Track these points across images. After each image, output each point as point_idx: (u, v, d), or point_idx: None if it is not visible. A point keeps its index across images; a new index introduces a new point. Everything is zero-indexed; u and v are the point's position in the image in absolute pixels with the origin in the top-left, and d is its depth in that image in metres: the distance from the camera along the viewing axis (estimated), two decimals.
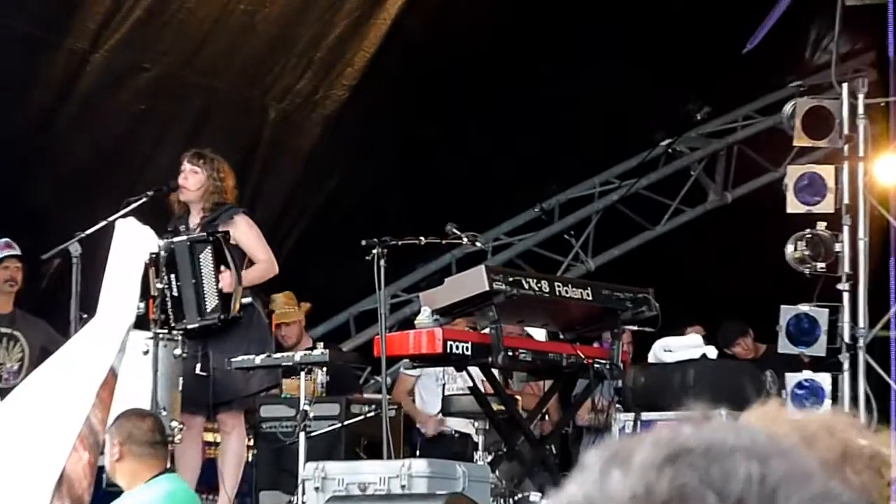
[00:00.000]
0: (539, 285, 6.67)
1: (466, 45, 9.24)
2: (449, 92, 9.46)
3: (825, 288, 7.66)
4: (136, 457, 4.91)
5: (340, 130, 9.40)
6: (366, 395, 8.59)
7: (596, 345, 7.91)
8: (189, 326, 6.76)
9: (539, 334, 7.89)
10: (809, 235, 7.64)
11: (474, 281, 6.57)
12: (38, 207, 8.27)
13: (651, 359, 7.97)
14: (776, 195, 8.07)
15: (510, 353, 6.58)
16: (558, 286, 6.79)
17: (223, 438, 7.05)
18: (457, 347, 6.48)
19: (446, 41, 9.15)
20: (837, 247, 7.62)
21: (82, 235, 6.74)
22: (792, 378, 7.59)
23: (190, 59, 8.54)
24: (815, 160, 8.46)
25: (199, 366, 6.70)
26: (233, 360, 6.65)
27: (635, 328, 7.24)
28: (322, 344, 8.33)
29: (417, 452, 8.22)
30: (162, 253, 6.66)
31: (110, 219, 6.46)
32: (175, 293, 6.79)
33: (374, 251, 6.65)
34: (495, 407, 6.83)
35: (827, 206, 7.65)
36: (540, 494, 6.69)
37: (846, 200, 7.65)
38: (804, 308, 7.65)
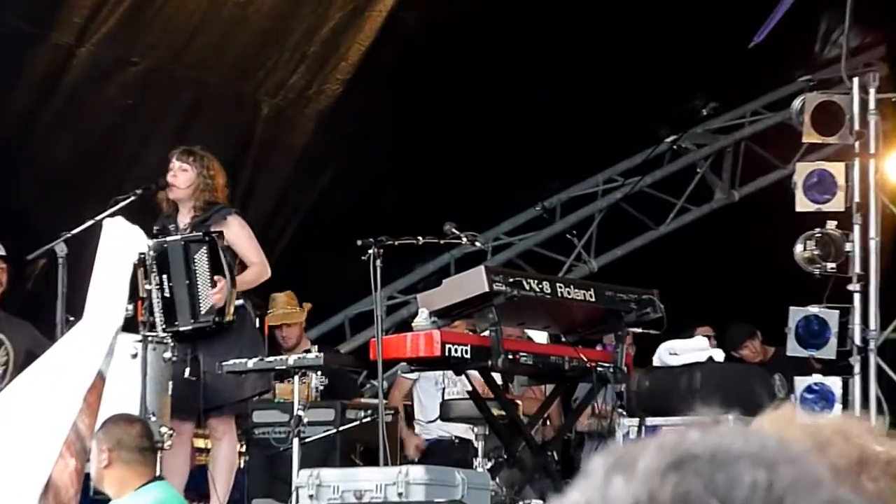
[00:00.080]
0: (540, 286, 6.68)
1: (464, 38, 9.25)
2: (447, 86, 9.47)
3: (835, 289, 7.67)
4: (125, 463, 4.92)
5: (335, 126, 9.40)
6: (361, 400, 8.59)
7: (599, 347, 7.91)
8: (182, 329, 6.76)
9: (540, 337, 7.89)
10: (819, 235, 7.65)
11: (473, 282, 6.58)
12: (22, 206, 8.27)
13: (656, 362, 7.97)
14: (785, 193, 8.07)
15: (511, 357, 6.59)
16: (560, 287, 6.80)
17: (214, 445, 7.06)
18: (456, 350, 6.49)
19: (443, 34, 9.15)
20: (848, 246, 7.63)
21: (68, 235, 6.74)
22: (801, 382, 7.60)
23: (179, 52, 8.54)
24: (825, 157, 8.47)
25: (188, 370, 6.70)
26: (224, 363, 6.66)
27: (639, 330, 7.24)
28: (316, 347, 8.34)
29: (416, 459, 8.23)
30: (151, 253, 6.66)
31: (97, 218, 6.47)
32: (167, 294, 6.79)
33: (370, 251, 6.65)
34: (495, 412, 6.84)
35: (837, 204, 7.66)
36: (541, 502, 6.69)
37: (857, 198, 7.65)
38: (814, 310, 7.66)
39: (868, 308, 7.58)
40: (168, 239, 6.88)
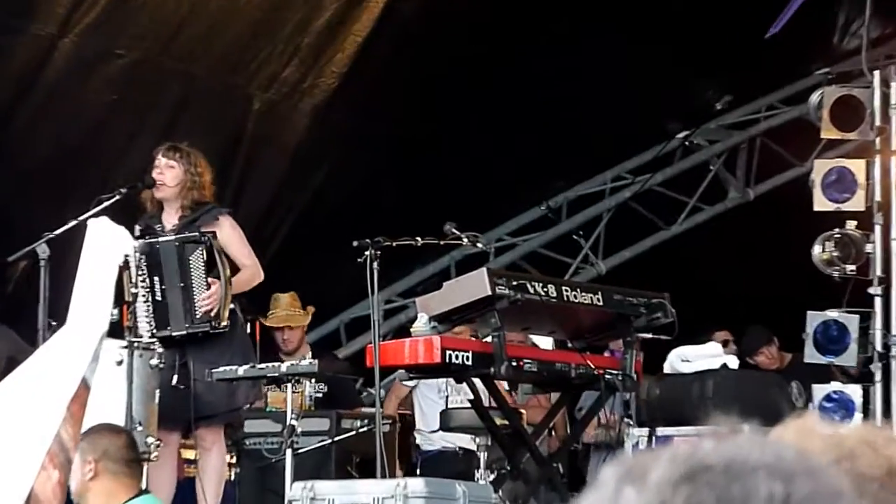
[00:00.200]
0: (545, 290, 6.68)
1: (464, 29, 9.26)
2: (447, 80, 9.47)
3: (855, 292, 7.67)
4: (112, 475, 4.93)
5: (330, 122, 9.41)
6: (362, 410, 8.58)
7: (607, 354, 7.92)
8: (174, 334, 6.77)
9: (545, 343, 7.89)
10: (838, 235, 7.65)
11: (475, 285, 6.58)
12: (1, 206, 8.28)
13: (667, 369, 7.98)
14: (802, 192, 8.08)
15: (514, 364, 6.59)
16: (566, 291, 6.80)
17: (202, 455, 7.05)
18: (457, 357, 6.49)
19: (442, 24, 9.16)
20: (868, 247, 7.64)
21: (51, 236, 6.74)
22: (820, 390, 7.60)
23: (167, 44, 8.54)
24: (845, 153, 8.47)
25: (176, 377, 6.70)
26: (214, 371, 6.65)
27: (650, 336, 7.25)
28: (310, 353, 8.35)
29: (418, 471, 8.23)
30: (139, 254, 6.66)
31: (81, 218, 6.47)
32: (159, 297, 6.79)
33: (367, 253, 6.66)
34: (498, 421, 6.84)
35: (857, 203, 7.66)
36: None
37: (878, 197, 7.66)
38: (833, 314, 7.66)
39: (890, 312, 7.58)
40: (160, 239, 6.88)
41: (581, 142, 10.40)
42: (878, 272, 7.62)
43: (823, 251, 7.68)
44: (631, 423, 7.78)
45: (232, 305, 6.93)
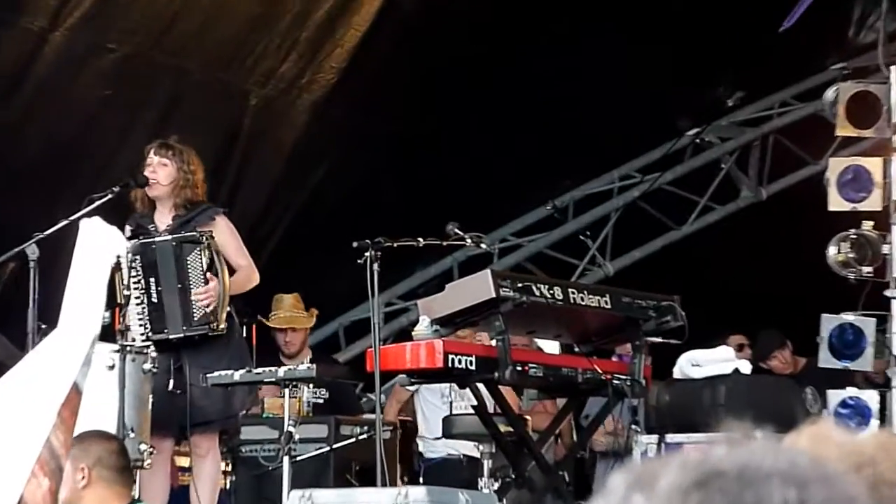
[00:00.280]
0: (551, 292, 6.69)
1: (467, 21, 9.26)
2: (449, 76, 9.48)
3: (872, 295, 7.67)
4: (106, 483, 4.94)
5: (329, 118, 9.42)
6: (363, 417, 8.58)
7: (614, 358, 7.92)
8: (171, 337, 6.77)
9: (551, 347, 7.89)
10: (854, 236, 7.66)
11: (479, 287, 6.59)
12: None
13: (676, 374, 7.98)
14: (817, 191, 8.09)
15: (519, 368, 6.60)
16: (573, 293, 6.81)
17: (196, 463, 7.06)
18: (459, 361, 6.50)
19: (444, 18, 9.17)
20: (885, 248, 7.64)
21: (40, 237, 6.75)
22: (835, 395, 7.61)
23: (159, 38, 8.55)
24: (861, 152, 8.47)
25: (172, 382, 6.70)
26: (209, 376, 6.66)
27: (659, 340, 7.25)
28: (308, 358, 8.35)
29: (421, 479, 8.23)
30: (131, 255, 6.67)
31: (72, 218, 6.48)
32: (155, 299, 6.80)
33: (367, 254, 6.67)
34: (502, 428, 6.85)
35: (874, 202, 7.67)
36: None
37: (895, 197, 7.66)
38: (848, 317, 7.67)
39: None
40: (156, 239, 6.89)
41: (588, 139, 10.41)
42: (895, 274, 7.62)
43: (839, 252, 7.68)
44: (639, 429, 7.79)
45: (228, 308, 6.93)
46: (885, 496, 1.46)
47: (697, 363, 7.89)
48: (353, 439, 7.72)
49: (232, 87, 9.08)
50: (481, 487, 6.90)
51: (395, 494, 6.15)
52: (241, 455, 7.82)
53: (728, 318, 9.54)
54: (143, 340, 6.71)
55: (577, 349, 7.18)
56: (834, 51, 10.16)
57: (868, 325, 7.64)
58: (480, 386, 6.80)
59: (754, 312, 9.87)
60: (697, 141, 11.24)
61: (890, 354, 7.62)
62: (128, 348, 6.41)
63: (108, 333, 6.29)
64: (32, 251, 6.70)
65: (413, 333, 6.75)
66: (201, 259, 6.82)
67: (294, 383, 6.64)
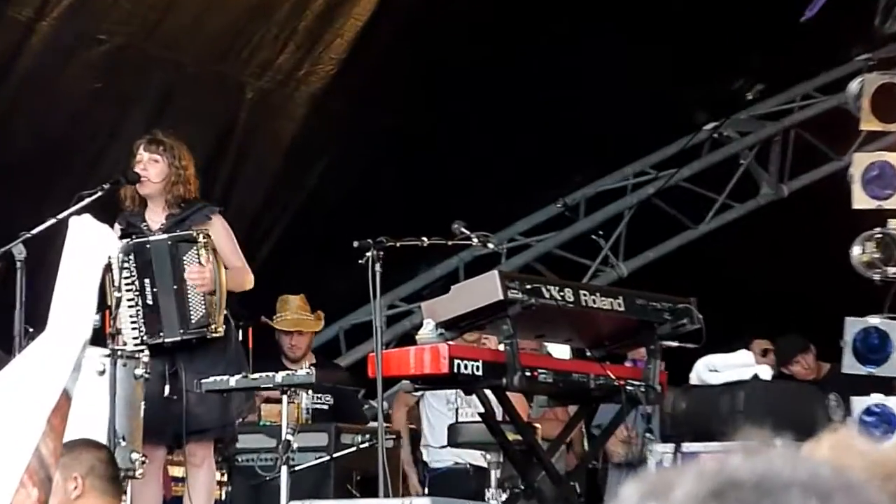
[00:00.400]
0: (562, 294, 6.70)
1: (471, 9, 9.27)
2: (454, 67, 9.49)
3: None
4: (98, 493, 4.96)
5: (328, 112, 9.43)
6: (364, 424, 8.60)
7: (628, 364, 7.92)
8: (168, 340, 6.78)
9: (562, 352, 7.90)
10: (879, 235, 7.67)
11: (486, 289, 6.60)
12: None
13: (693, 380, 7.98)
14: (840, 188, 8.09)
15: (528, 374, 6.60)
16: (584, 295, 6.82)
17: (191, 472, 7.05)
18: (466, 367, 6.50)
19: (446, 9, 9.18)
20: None
21: (28, 236, 6.76)
22: (859, 402, 7.61)
23: (152, 29, 8.57)
24: (887, 147, 8.48)
25: (167, 388, 6.71)
26: (204, 381, 6.66)
27: (675, 344, 7.26)
28: (307, 363, 8.36)
29: (426, 490, 8.24)
30: (123, 255, 6.67)
31: (60, 216, 6.49)
32: (150, 301, 6.81)
33: (369, 254, 6.67)
34: (511, 436, 6.86)
35: None
36: None
37: None
38: (874, 321, 7.68)
39: None
40: (151, 238, 6.89)
41: (600, 134, 10.41)
42: None
43: (863, 252, 7.69)
44: (654, 438, 7.80)
45: (224, 311, 6.94)
46: None
47: (715, 368, 7.90)
48: (354, 448, 7.73)
49: (227, 80, 9.10)
50: (488, 499, 6.90)
51: None
52: (238, 464, 7.83)
53: (747, 322, 9.54)
54: (137, 344, 6.71)
55: (588, 354, 7.19)
56: (859, 41, 10.15)
57: (894, 328, 7.65)
58: (488, 392, 6.80)
59: (775, 315, 9.87)
60: (715, 136, 11.24)
61: None
62: (119, 353, 6.41)
63: (98, 337, 6.31)
64: (19, 251, 6.72)
65: (417, 337, 6.76)
66: (198, 259, 6.83)
67: (293, 389, 6.65)
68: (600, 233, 11.18)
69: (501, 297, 6.48)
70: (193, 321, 6.81)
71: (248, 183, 9.45)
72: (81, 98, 8.63)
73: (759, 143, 11.34)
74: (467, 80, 9.57)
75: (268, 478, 7.44)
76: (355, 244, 6.73)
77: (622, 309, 6.86)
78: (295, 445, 6.49)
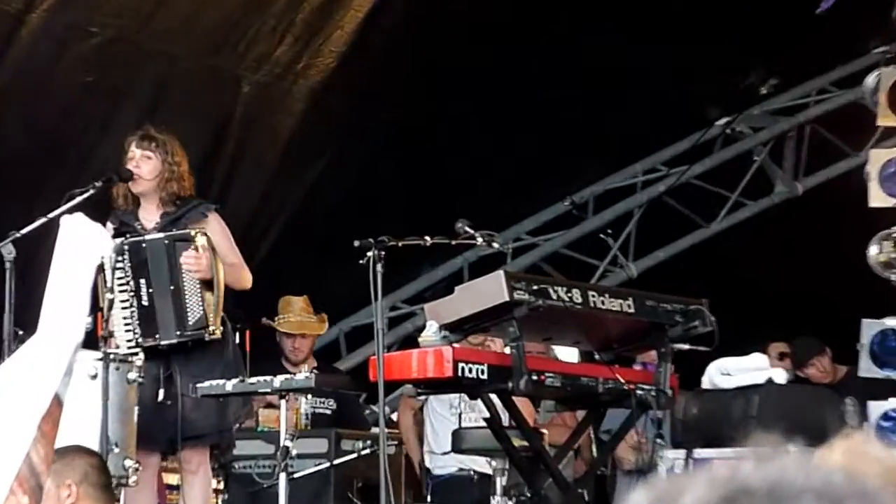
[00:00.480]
0: (569, 295, 6.70)
1: (472, 6, 9.28)
2: (457, 61, 9.49)
3: None
4: (92, 501, 4.97)
5: (327, 107, 9.43)
6: (368, 430, 8.60)
7: (638, 367, 7.93)
8: (164, 343, 6.79)
9: (570, 355, 7.90)
10: None
11: (491, 290, 6.60)
12: None
13: (705, 384, 7.99)
14: (857, 185, 8.09)
15: (535, 378, 6.61)
16: (593, 296, 6.82)
17: (186, 479, 7.06)
18: (470, 370, 6.51)
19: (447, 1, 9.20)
20: None
21: (17, 235, 6.77)
22: (876, 407, 7.61)
23: (146, 21, 8.58)
24: None
25: (162, 392, 6.71)
26: (199, 386, 6.67)
27: (686, 347, 7.26)
28: (306, 366, 8.37)
29: (429, 497, 8.25)
30: (115, 255, 6.68)
31: (51, 215, 6.50)
32: (145, 302, 6.81)
33: (370, 254, 6.68)
34: (517, 442, 6.86)
35: None
36: None
37: None
38: (891, 322, 7.67)
39: None
40: (147, 237, 6.90)
41: (609, 130, 10.42)
42: None
43: (880, 252, 7.69)
44: (664, 444, 7.80)
45: (222, 313, 6.95)
46: None
47: (728, 372, 7.90)
48: (355, 454, 7.73)
49: (223, 74, 9.10)
50: None
51: None
52: (235, 472, 7.84)
53: (761, 324, 9.55)
54: (132, 347, 6.71)
55: (597, 357, 7.20)
56: (876, 33, 10.16)
57: None
58: (493, 397, 6.81)
59: (789, 317, 9.88)
60: (728, 131, 11.24)
61: None
62: (111, 356, 6.42)
63: (90, 340, 6.31)
64: (8, 250, 6.72)
65: (419, 340, 6.77)
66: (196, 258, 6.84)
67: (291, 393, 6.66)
68: (609, 232, 11.19)
69: (507, 299, 6.48)
70: (191, 323, 6.82)
71: (244, 179, 9.46)
72: (73, 92, 8.64)
73: (772, 139, 11.34)
74: (469, 72, 9.57)
75: (266, 485, 7.45)
76: (356, 244, 6.74)
77: (632, 310, 6.87)
78: (294, 452, 6.50)
